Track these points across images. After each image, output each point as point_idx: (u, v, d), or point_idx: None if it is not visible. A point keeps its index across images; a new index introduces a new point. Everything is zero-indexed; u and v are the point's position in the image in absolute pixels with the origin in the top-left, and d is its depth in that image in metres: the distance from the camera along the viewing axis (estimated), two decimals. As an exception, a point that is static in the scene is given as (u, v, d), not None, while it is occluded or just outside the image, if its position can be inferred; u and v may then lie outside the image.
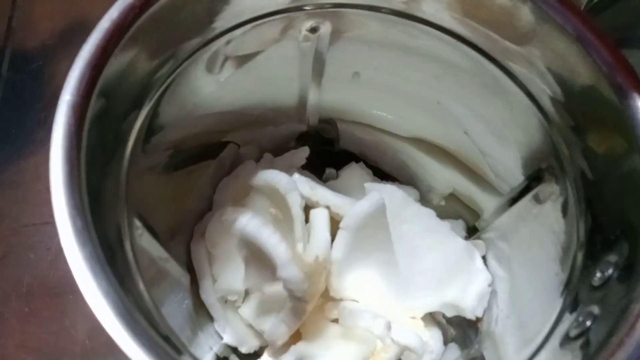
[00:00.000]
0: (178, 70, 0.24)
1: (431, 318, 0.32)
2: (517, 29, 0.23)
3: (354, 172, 0.36)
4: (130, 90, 0.21)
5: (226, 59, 0.27)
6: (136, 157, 0.23)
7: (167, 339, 0.20)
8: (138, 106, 0.22)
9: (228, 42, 0.25)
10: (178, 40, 0.23)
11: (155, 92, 0.23)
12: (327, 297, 0.30)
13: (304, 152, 0.35)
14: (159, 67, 0.23)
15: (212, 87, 0.28)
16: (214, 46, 0.25)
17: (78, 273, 0.16)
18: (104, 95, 0.19)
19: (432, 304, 0.30)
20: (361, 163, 0.37)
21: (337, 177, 0.36)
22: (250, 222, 0.26)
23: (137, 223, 0.22)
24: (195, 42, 0.24)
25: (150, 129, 0.24)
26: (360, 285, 0.30)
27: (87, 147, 0.18)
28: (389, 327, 0.27)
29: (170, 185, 0.30)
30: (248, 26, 0.25)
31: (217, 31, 0.24)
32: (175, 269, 0.29)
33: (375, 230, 0.29)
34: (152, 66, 0.22)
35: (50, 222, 0.40)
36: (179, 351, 0.21)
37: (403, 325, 0.29)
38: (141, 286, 0.21)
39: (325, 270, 0.28)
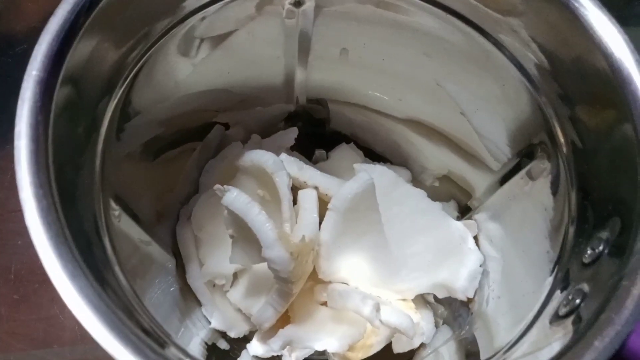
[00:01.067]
0: (151, 52, 0.23)
1: (422, 300, 0.32)
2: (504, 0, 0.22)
3: (344, 153, 0.35)
4: (101, 71, 0.20)
5: (202, 40, 0.26)
6: (111, 144, 0.22)
7: (147, 331, 0.20)
8: (110, 89, 0.21)
9: (202, 19, 0.24)
10: (150, 17, 0.22)
11: (128, 74, 0.22)
12: (316, 280, 0.29)
13: (292, 133, 0.34)
14: (132, 47, 0.22)
15: (189, 69, 0.27)
16: (188, 24, 0.24)
17: (44, 257, 0.15)
18: (73, 73, 0.18)
19: (423, 285, 0.30)
20: (352, 144, 0.36)
21: (327, 158, 0.36)
22: (237, 198, 0.25)
23: (114, 205, 0.22)
24: (168, 20, 0.23)
25: (125, 114, 0.23)
26: (350, 268, 0.29)
27: (55, 127, 0.17)
28: (378, 308, 0.26)
29: (154, 170, 0.29)
30: (225, 1, 0.24)
31: (191, 8, 0.23)
32: (159, 254, 0.28)
33: (365, 211, 0.29)
34: (124, 46, 0.21)
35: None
36: (162, 343, 0.21)
37: (393, 306, 0.29)
38: (120, 275, 0.20)
39: (312, 252, 0.27)
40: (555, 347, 0.18)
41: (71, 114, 0.18)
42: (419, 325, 0.30)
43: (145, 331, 0.18)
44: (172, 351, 0.20)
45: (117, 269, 0.20)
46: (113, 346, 0.14)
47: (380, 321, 0.26)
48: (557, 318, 0.20)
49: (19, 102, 0.17)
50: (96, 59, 0.19)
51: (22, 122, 0.16)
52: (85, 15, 0.18)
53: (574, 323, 0.18)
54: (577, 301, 0.19)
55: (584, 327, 0.17)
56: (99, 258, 0.19)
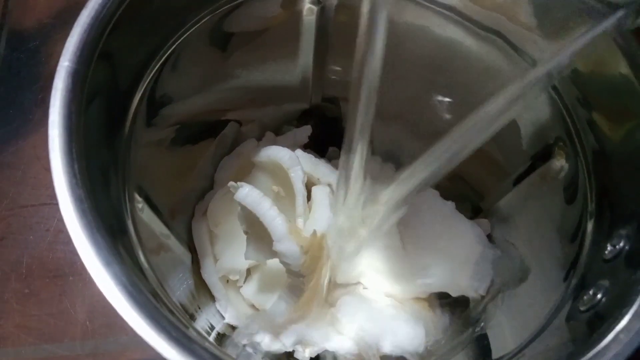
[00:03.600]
0: (180, 41, 0.23)
1: (435, 298, 0.32)
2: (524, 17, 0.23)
3: (357, 152, 0.36)
4: (131, 59, 0.21)
5: (225, 35, 0.26)
6: (138, 131, 0.22)
7: (175, 315, 0.20)
8: (139, 77, 0.22)
9: (228, 14, 0.24)
10: (180, 8, 0.22)
11: (157, 62, 0.22)
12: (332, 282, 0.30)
13: (306, 131, 0.34)
14: (161, 36, 0.22)
15: (212, 65, 0.27)
16: (217, 17, 0.24)
17: (78, 241, 0.15)
18: (103, 63, 0.19)
19: (436, 284, 0.30)
20: (364, 142, 0.36)
21: (340, 156, 0.36)
22: (249, 194, 0.25)
23: (138, 197, 0.22)
24: (197, 12, 0.23)
25: (157, 102, 0.24)
26: (364, 267, 0.30)
27: (86, 117, 0.17)
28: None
29: (171, 162, 0.29)
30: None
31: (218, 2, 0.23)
32: (177, 247, 0.28)
33: (379, 210, 0.29)
34: (154, 35, 0.21)
35: (48, 203, 0.40)
36: (186, 326, 0.21)
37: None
38: (143, 260, 0.20)
39: (325, 248, 0.28)
40: (578, 342, 0.18)
41: (101, 103, 0.18)
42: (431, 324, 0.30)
43: (175, 317, 0.19)
44: (195, 333, 0.21)
45: (140, 254, 0.20)
46: (148, 333, 0.15)
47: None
48: (577, 314, 0.20)
49: (52, 92, 0.17)
50: (126, 50, 0.20)
51: (56, 112, 0.17)
52: (116, 6, 0.18)
53: (595, 318, 0.18)
54: (599, 297, 0.19)
55: (607, 321, 0.17)
56: (127, 245, 0.19)
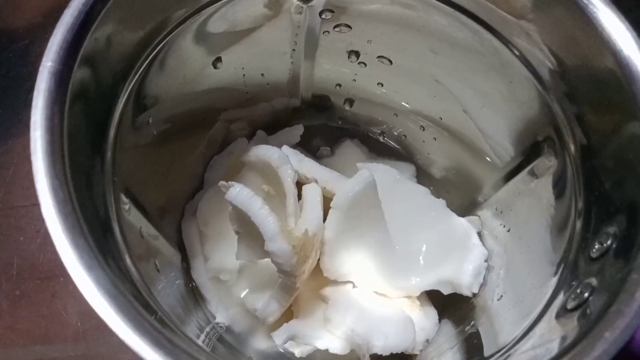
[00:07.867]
0: (167, 40, 0.23)
1: (426, 297, 0.32)
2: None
3: (348, 150, 0.36)
4: (115, 59, 0.20)
5: (214, 35, 0.26)
6: (124, 133, 0.22)
7: (161, 320, 0.20)
8: (124, 77, 0.21)
9: (215, 13, 0.24)
10: (166, 6, 0.22)
11: (143, 62, 0.22)
12: (321, 280, 0.30)
13: (298, 130, 0.34)
14: (145, 39, 0.22)
15: (200, 64, 0.27)
16: (201, 17, 0.24)
17: (60, 246, 0.15)
18: (87, 64, 0.18)
19: (428, 282, 0.30)
20: (356, 140, 0.36)
21: (332, 154, 0.36)
22: (240, 193, 0.25)
23: (124, 199, 0.22)
24: (184, 10, 0.23)
25: (144, 103, 0.24)
26: (354, 265, 0.30)
27: (69, 118, 0.17)
28: None
29: (159, 162, 0.29)
30: (237, -5, 0.24)
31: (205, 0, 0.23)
32: (165, 248, 0.28)
33: (368, 208, 0.29)
34: (139, 34, 0.21)
35: (38, 204, 0.40)
36: (174, 332, 0.21)
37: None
38: (129, 263, 0.20)
39: (315, 246, 0.27)
40: (565, 340, 0.18)
41: (85, 104, 0.18)
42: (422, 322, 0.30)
43: (159, 320, 0.18)
44: (183, 340, 0.20)
45: (127, 258, 0.20)
46: (131, 337, 0.14)
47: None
48: (565, 312, 0.20)
49: (35, 93, 0.17)
50: (111, 47, 0.19)
51: (38, 113, 0.16)
52: (100, 5, 0.18)
53: (582, 316, 0.18)
54: (586, 295, 0.19)
55: (593, 319, 0.17)
56: (112, 247, 0.19)
